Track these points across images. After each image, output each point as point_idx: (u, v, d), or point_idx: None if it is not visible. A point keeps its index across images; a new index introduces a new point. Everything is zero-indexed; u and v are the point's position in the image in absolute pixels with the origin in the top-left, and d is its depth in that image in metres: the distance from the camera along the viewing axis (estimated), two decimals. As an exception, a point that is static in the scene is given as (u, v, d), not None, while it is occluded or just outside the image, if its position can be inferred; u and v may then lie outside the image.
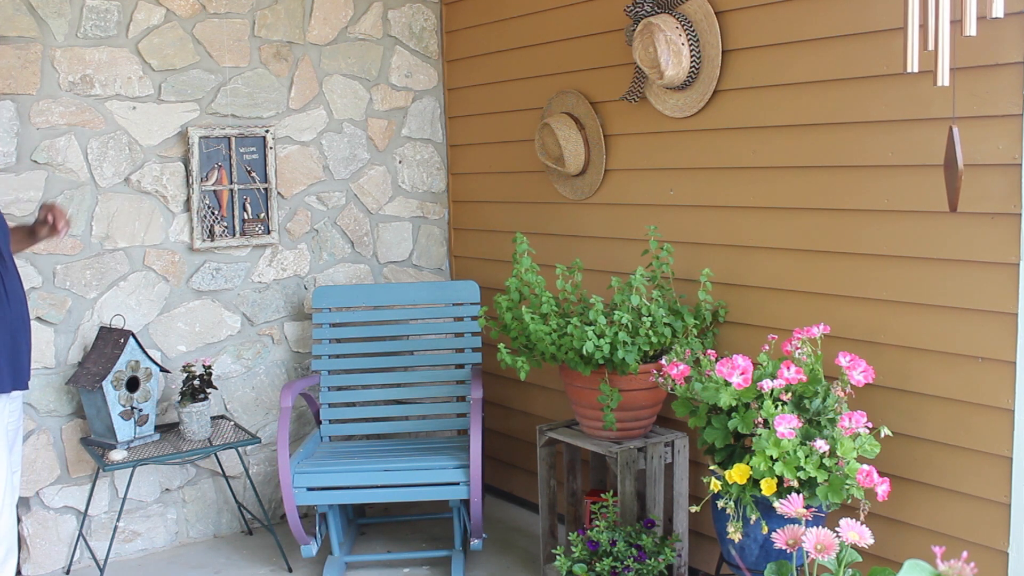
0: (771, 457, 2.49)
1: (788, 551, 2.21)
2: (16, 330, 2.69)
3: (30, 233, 3.08)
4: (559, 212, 3.87)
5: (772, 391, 2.55)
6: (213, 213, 3.89)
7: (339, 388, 3.97)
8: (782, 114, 2.98)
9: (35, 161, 3.54)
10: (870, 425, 2.57)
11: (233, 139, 3.91)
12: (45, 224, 3.02)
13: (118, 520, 3.64)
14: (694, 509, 2.74)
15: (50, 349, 3.61)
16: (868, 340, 2.81)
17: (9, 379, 2.62)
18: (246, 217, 3.97)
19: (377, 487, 3.45)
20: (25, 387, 2.72)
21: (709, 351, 2.90)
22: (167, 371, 3.78)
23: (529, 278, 3.26)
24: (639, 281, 3.07)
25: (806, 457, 2.48)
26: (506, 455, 4.32)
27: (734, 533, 2.54)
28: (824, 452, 2.47)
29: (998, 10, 2.22)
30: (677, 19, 3.16)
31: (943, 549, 1.90)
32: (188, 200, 3.85)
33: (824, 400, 2.62)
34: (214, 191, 3.90)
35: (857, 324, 2.84)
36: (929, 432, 2.70)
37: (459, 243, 4.53)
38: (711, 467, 2.66)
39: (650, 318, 3.02)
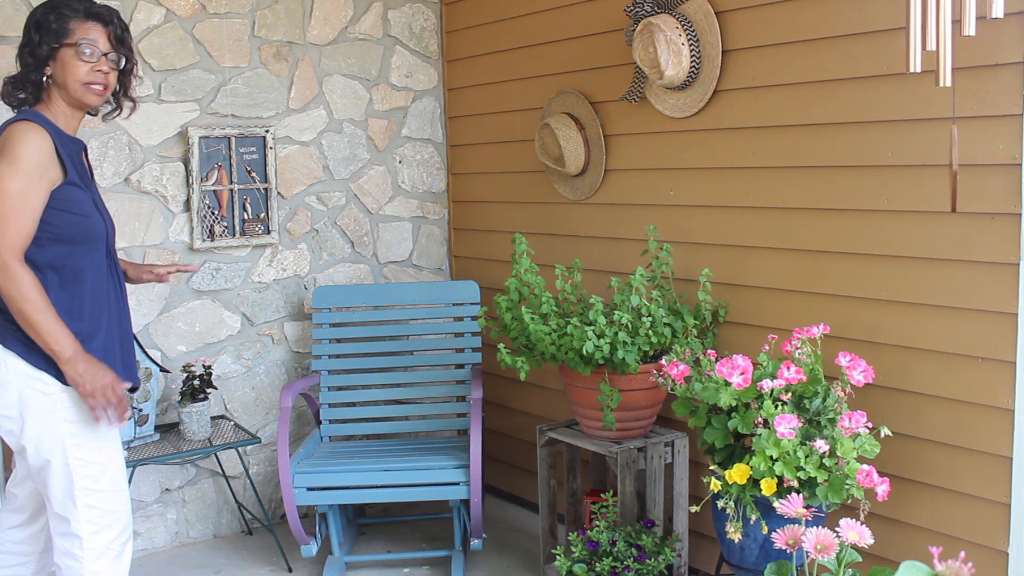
0: (771, 457, 2.49)
1: (788, 551, 2.22)
2: (127, 328, 2.68)
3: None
4: (559, 212, 3.87)
5: (772, 391, 2.55)
6: (213, 213, 3.89)
7: (339, 388, 3.97)
8: (782, 114, 2.98)
9: (35, 161, 3.53)
10: (870, 425, 2.57)
11: (233, 139, 3.91)
12: (154, 276, 3.01)
13: (118, 520, 3.64)
14: (694, 509, 2.74)
15: (50, 349, 3.61)
16: (868, 340, 2.81)
17: (122, 376, 2.60)
18: (246, 217, 3.97)
19: (377, 487, 3.45)
20: (137, 383, 2.71)
21: (709, 351, 2.90)
22: (167, 371, 3.78)
23: (528, 278, 3.26)
24: (639, 281, 3.07)
25: (806, 457, 2.48)
26: (506, 455, 4.32)
27: (734, 533, 2.54)
28: (824, 452, 2.47)
29: (998, 10, 2.22)
30: (677, 19, 3.16)
31: (940, 549, 1.90)
32: (188, 200, 3.85)
33: (824, 400, 2.62)
34: (214, 191, 3.90)
35: (857, 324, 2.84)
36: (929, 432, 2.70)
37: (459, 243, 4.53)
38: (711, 467, 2.66)
39: (650, 318, 3.02)
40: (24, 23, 2.55)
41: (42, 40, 2.52)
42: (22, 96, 2.54)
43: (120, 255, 3.75)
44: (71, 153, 2.52)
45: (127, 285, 2.87)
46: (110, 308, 2.60)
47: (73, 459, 2.49)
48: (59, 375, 2.46)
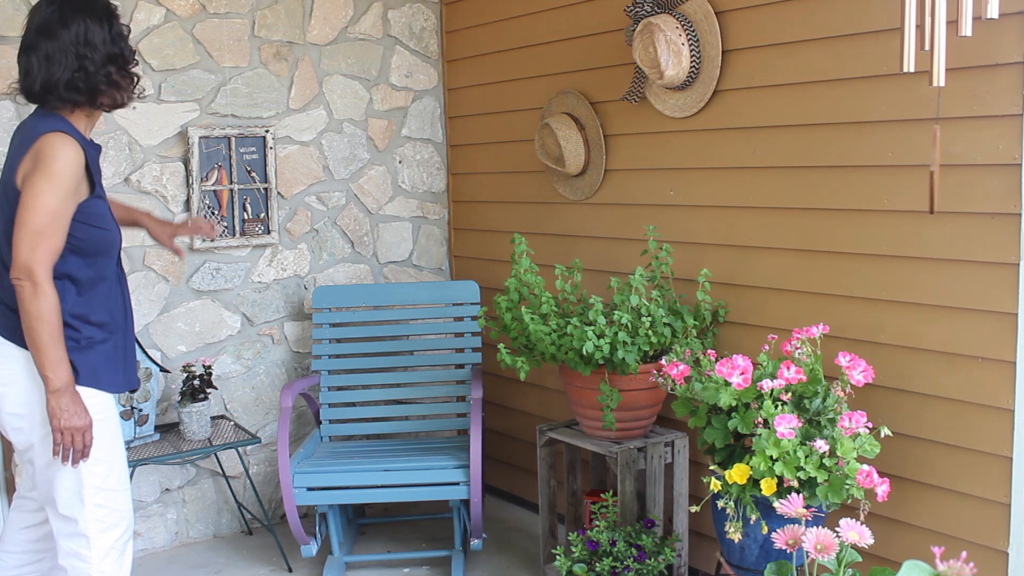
0: (771, 457, 2.49)
1: (788, 551, 2.22)
2: (132, 333, 2.72)
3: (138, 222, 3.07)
4: (559, 212, 3.87)
5: (772, 391, 2.55)
6: (213, 213, 3.89)
7: (339, 388, 3.97)
8: (782, 114, 2.98)
9: (35, 161, 3.53)
10: (870, 425, 2.57)
11: (233, 139, 3.91)
12: (174, 248, 3.05)
13: (118, 520, 3.64)
14: (694, 509, 2.74)
15: (50, 349, 3.61)
16: (868, 340, 2.81)
17: (124, 380, 2.64)
18: (246, 217, 3.97)
19: (377, 487, 3.45)
20: (137, 385, 2.75)
21: (709, 351, 2.90)
22: (167, 371, 3.78)
23: (528, 278, 3.26)
24: (638, 281, 3.07)
25: (806, 457, 2.48)
26: (506, 455, 4.32)
27: (734, 533, 2.54)
28: (824, 452, 2.47)
29: (993, 11, 2.22)
30: (677, 19, 3.16)
31: (942, 549, 1.90)
32: (188, 200, 3.85)
33: (824, 400, 2.62)
34: (214, 191, 3.90)
35: (857, 324, 2.84)
36: (929, 432, 2.70)
37: (459, 243, 4.53)
38: (711, 467, 2.66)
39: (649, 318, 3.02)
40: (80, 25, 2.46)
41: (128, 48, 2.55)
42: (53, 100, 2.48)
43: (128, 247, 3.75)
44: (94, 162, 2.52)
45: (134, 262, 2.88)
46: (118, 315, 2.62)
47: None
48: (75, 372, 2.47)
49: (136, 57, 2.60)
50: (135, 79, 2.57)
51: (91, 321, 2.51)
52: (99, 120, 2.64)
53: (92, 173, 2.47)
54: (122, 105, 2.57)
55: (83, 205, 2.44)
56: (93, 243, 2.49)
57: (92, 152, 2.51)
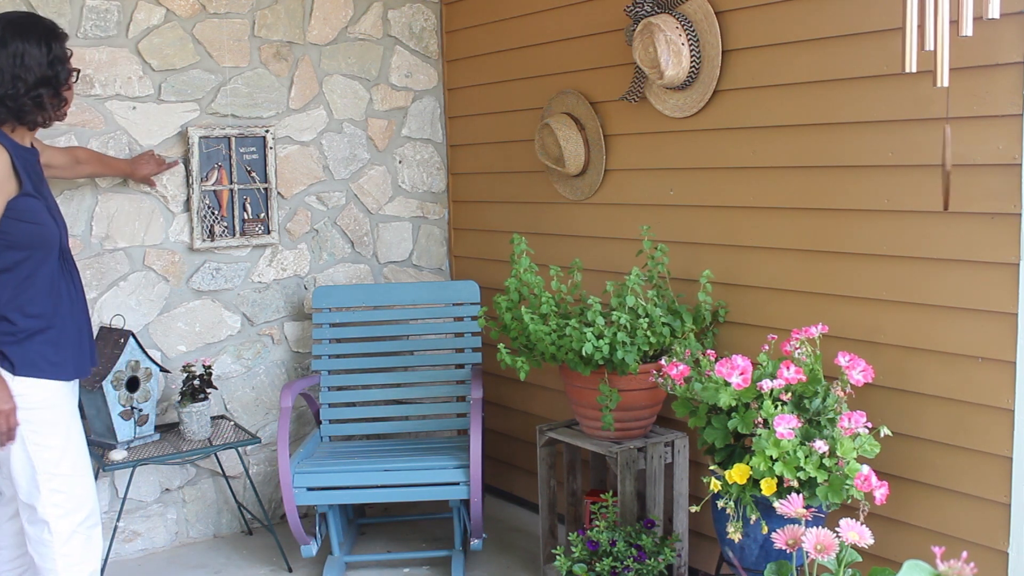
0: (771, 457, 2.49)
1: (788, 551, 2.21)
2: (83, 323, 2.82)
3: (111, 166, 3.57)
4: (559, 212, 3.87)
5: (772, 391, 2.55)
6: (213, 213, 3.89)
7: (339, 388, 3.97)
8: (782, 114, 2.98)
9: (35, 161, 3.54)
10: (870, 425, 2.57)
11: (233, 139, 3.91)
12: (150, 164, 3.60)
13: (118, 520, 3.64)
14: (694, 509, 2.74)
15: (50, 349, 3.61)
16: (867, 340, 2.81)
17: (72, 368, 2.74)
18: (246, 217, 3.97)
19: (377, 487, 3.45)
20: (87, 375, 2.86)
21: (708, 351, 2.90)
22: (167, 371, 3.78)
23: (528, 278, 3.26)
24: (633, 282, 3.07)
25: (806, 457, 2.48)
26: (506, 455, 4.32)
27: (734, 533, 2.54)
28: (824, 452, 2.47)
29: (994, 11, 2.22)
30: (677, 19, 3.16)
31: (943, 549, 1.90)
32: (188, 200, 3.85)
33: (824, 400, 2.62)
34: (214, 191, 3.90)
35: (856, 324, 2.84)
36: (929, 432, 2.70)
37: (459, 243, 4.53)
38: (711, 467, 2.66)
39: (647, 318, 3.02)
40: (19, 46, 2.60)
41: (65, 71, 2.69)
42: None
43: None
44: (26, 164, 2.65)
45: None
46: (62, 305, 2.72)
47: (31, 444, 2.62)
48: (9, 365, 2.60)
49: (75, 79, 2.73)
50: (65, 102, 2.72)
51: (28, 313, 2.62)
52: (65, 123, 2.90)
53: (19, 173, 2.59)
54: (47, 125, 2.72)
55: (13, 202, 2.58)
56: (27, 238, 2.61)
57: (24, 155, 2.65)
